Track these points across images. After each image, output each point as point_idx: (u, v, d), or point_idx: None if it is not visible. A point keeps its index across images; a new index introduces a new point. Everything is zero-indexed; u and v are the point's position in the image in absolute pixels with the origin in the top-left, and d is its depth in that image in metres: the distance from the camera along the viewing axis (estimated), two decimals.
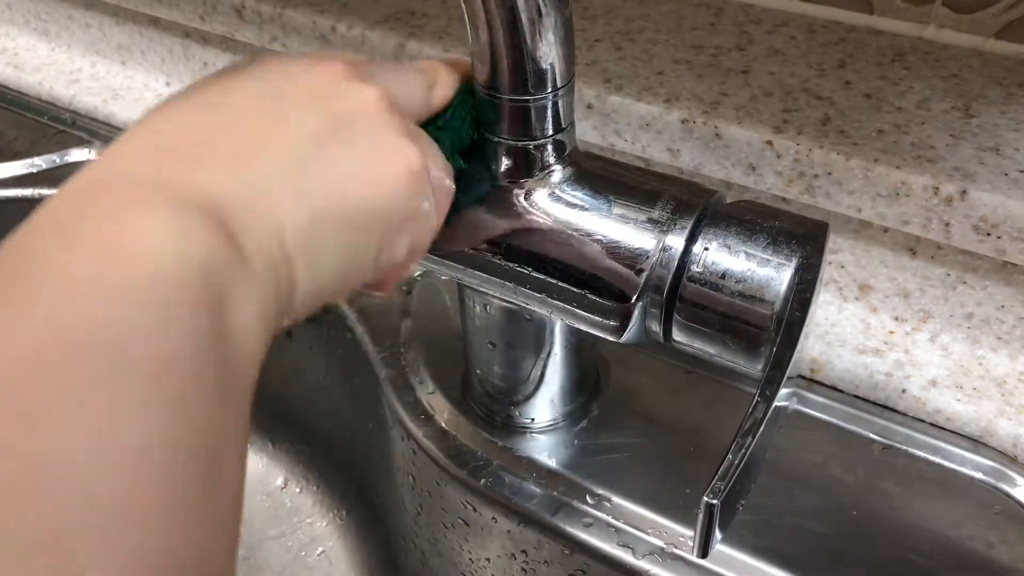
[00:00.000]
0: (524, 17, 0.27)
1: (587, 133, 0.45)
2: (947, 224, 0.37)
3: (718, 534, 0.27)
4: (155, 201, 0.19)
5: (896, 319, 0.43)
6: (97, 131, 0.63)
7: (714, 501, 0.24)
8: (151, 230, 0.18)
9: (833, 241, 0.43)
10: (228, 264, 0.19)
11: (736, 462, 0.25)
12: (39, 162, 0.60)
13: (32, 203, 0.58)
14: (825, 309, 0.43)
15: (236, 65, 0.25)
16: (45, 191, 0.58)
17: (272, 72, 0.24)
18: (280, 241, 0.21)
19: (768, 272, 0.29)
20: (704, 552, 0.26)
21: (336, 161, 0.23)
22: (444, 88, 0.30)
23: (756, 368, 0.30)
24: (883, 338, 0.42)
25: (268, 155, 0.22)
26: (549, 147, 0.31)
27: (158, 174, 0.20)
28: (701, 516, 0.25)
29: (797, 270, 0.28)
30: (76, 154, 0.61)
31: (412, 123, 0.27)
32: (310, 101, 0.24)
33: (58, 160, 0.60)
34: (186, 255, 0.18)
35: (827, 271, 0.44)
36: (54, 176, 0.59)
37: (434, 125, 0.30)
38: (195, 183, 0.20)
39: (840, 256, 0.43)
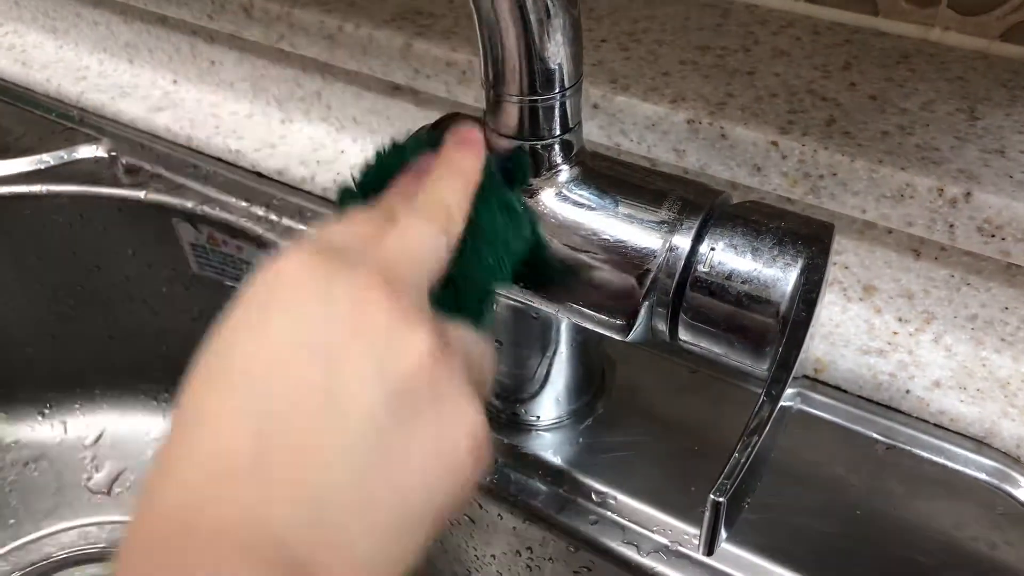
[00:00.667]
0: (533, 17, 0.27)
1: (593, 133, 0.45)
2: (951, 226, 0.38)
3: (724, 532, 0.27)
4: (233, 560, 0.18)
5: (900, 320, 0.43)
6: (104, 128, 0.63)
7: (721, 499, 0.24)
8: None
9: (837, 242, 0.43)
10: None
11: (743, 460, 0.25)
12: (47, 158, 0.60)
13: (40, 199, 0.59)
14: (829, 310, 0.44)
15: (249, 301, 0.23)
16: (53, 187, 0.58)
17: (302, 311, 0.22)
18: (344, 560, 0.20)
19: (774, 272, 0.29)
20: (710, 550, 0.26)
21: (398, 462, 0.21)
22: (457, 223, 0.27)
23: (762, 368, 0.30)
24: (887, 339, 0.42)
25: (331, 468, 0.20)
26: (556, 147, 0.31)
27: (223, 519, 0.19)
28: (708, 514, 0.25)
29: (803, 270, 0.29)
30: (84, 151, 0.61)
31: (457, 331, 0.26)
32: (360, 373, 0.21)
33: (66, 156, 0.61)
34: None
35: (831, 272, 0.44)
36: (62, 173, 0.59)
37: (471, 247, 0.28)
38: (264, 526, 0.19)
39: (844, 257, 0.43)
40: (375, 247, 0.24)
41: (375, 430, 0.21)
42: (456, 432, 0.22)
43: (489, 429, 0.24)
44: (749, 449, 0.25)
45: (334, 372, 0.21)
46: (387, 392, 0.21)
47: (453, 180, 0.28)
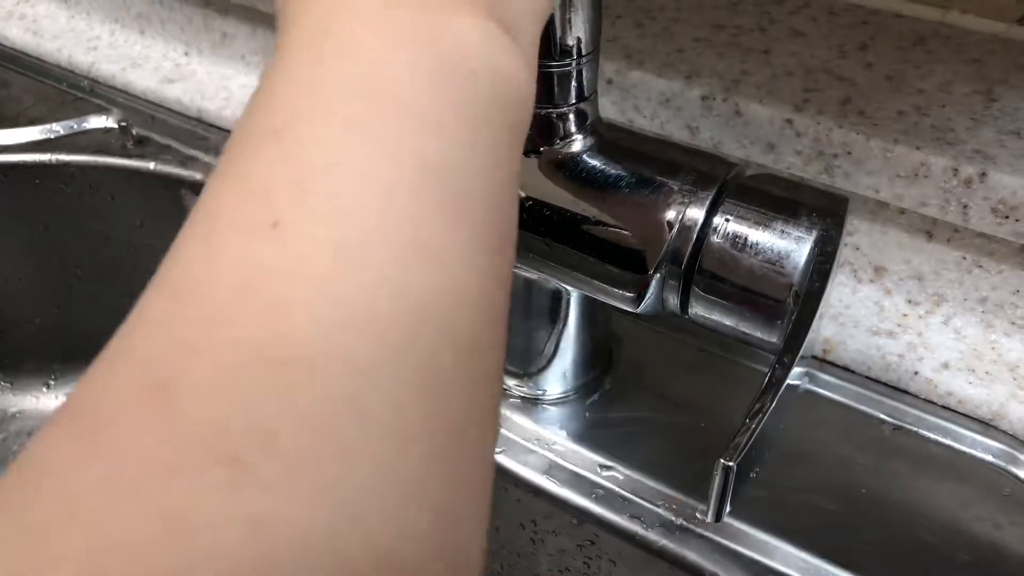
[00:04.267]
0: None
1: (606, 108, 0.45)
2: (965, 206, 0.37)
3: (728, 504, 0.27)
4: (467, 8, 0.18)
5: (910, 302, 0.43)
6: (115, 99, 0.63)
7: (731, 463, 0.24)
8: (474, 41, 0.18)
9: (849, 222, 0.43)
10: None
11: (753, 427, 0.25)
12: (57, 128, 0.60)
13: (49, 168, 0.59)
14: (839, 290, 0.44)
15: None
16: (63, 156, 0.58)
17: None
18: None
19: (788, 244, 0.29)
20: (718, 516, 0.26)
21: None
22: None
23: (773, 340, 0.30)
24: (896, 320, 0.42)
25: None
26: (571, 116, 0.31)
27: None
28: (717, 478, 0.25)
29: (817, 243, 0.28)
30: (94, 121, 0.61)
31: None
32: None
33: (76, 127, 0.61)
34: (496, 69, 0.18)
35: (843, 253, 0.44)
36: (71, 143, 0.59)
37: None
38: None
39: (856, 238, 0.43)
40: None
41: None
42: None
43: None
44: (760, 417, 0.25)
45: None
46: None
47: None
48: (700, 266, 0.30)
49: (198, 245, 0.17)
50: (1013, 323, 0.41)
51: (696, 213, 0.30)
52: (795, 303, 0.28)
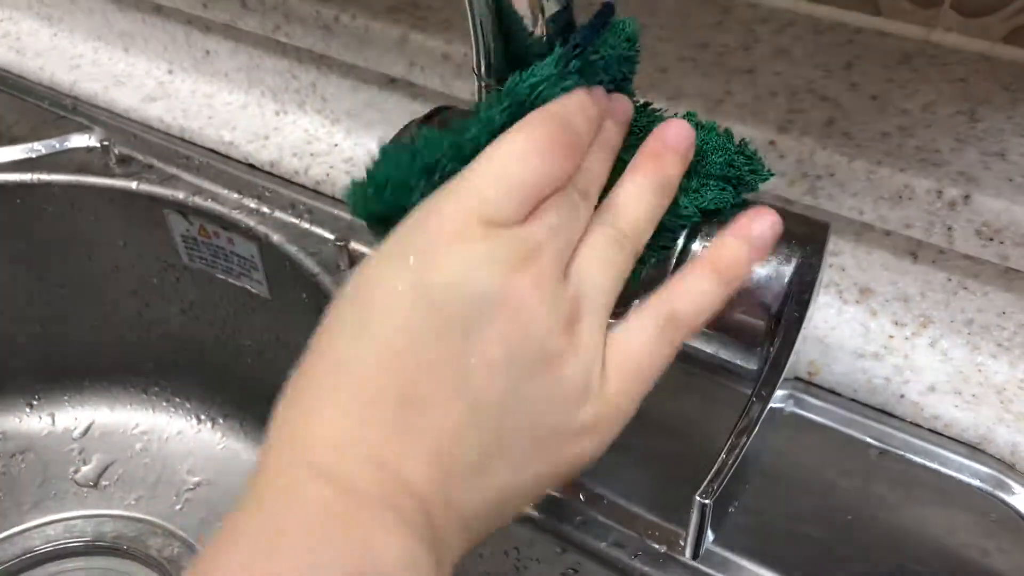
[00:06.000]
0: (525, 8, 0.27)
1: None
2: (950, 228, 0.37)
3: (710, 534, 0.27)
4: (389, 525, 0.20)
5: (896, 323, 0.42)
6: (98, 117, 0.63)
7: (706, 501, 0.24)
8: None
9: (834, 243, 0.42)
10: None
11: (730, 462, 0.24)
12: (39, 147, 0.60)
13: (32, 188, 0.58)
14: (824, 312, 0.43)
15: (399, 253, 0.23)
16: (44, 176, 0.58)
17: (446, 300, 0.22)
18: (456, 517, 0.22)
19: (767, 271, 0.28)
20: (696, 553, 0.25)
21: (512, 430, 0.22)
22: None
23: (752, 368, 0.29)
24: (882, 342, 0.42)
25: (463, 439, 0.22)
26: None
27: (382, 484, 0.20)
28: (694, 515, 0.24)
29: (797, 270, 0.28)
30: (76, 140, 0.60)
31: None
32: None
33: (58, 146, 0.60)
34: None
35: (827, 274, 0.43)
36: (54, 162, 0.59)
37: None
38: (409, 490, 0.21)
39: (841, 259, 0.43)
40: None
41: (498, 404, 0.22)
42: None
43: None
44: (737, 450, 0.25)
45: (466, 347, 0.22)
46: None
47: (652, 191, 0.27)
48: None
49: None
50: (999, 345, 0.40)
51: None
52: (774, 331, 0.28)
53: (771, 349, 0.28)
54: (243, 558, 0.19)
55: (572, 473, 0.24)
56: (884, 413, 0.40)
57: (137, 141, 0.60)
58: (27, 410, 0.66)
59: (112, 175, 0.57)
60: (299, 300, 0.53)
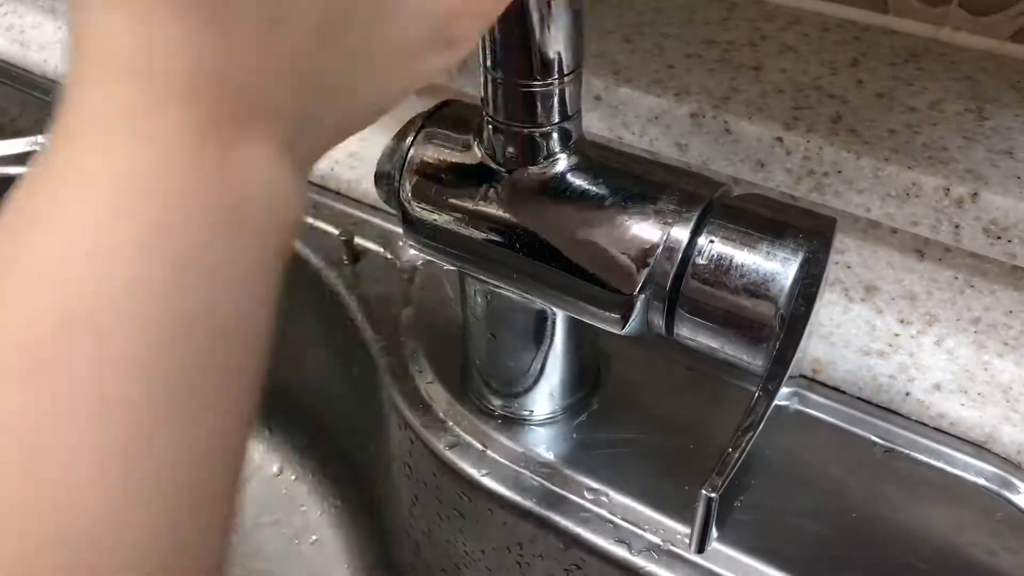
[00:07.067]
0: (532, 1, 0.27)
1: (594, 125, 0.44)
2: (957, 226, 0.37)
3: (714, 531, 0.26)
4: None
5: (902, 321, 0.42)
6: None
7: (712, 495, 0.24)
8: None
9: (840, 241, 0.42)
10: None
11: (736, 456, 0.24)
12: (43, 140, 0.60)
13: None
14: (830, 309, 0.43)
15: None
16: None
17: None
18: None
19: (773, 266, 0.28)
20: (701, 547, 0.25)
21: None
22: None
23: (758, 363, 0.29)
24: (888, 340, 0.41)
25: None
26: (554, 135, 0.31)
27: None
28: (699, 510, 0.24)
29: (803, 265, 0.28)
30: None
31: None
32: None
33: None
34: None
35: (833, 271, 0.43)
36: None
37: None
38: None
39: (847, 256, 0.42)
40: None
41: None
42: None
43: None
44: (743, 445, 0.25)
45: None
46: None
47: None
48: (685, 288, 0.29)
49: None
50: (1006, 344, 0.40)
51: (681, 234, 0.29)
52: (780, 326, 0.28)
53: (777, 345, 0.28)
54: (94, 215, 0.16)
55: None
56: (889, 411, 0.40)
57: None
58: None
59: None
60: (302, 295, 0.53)
